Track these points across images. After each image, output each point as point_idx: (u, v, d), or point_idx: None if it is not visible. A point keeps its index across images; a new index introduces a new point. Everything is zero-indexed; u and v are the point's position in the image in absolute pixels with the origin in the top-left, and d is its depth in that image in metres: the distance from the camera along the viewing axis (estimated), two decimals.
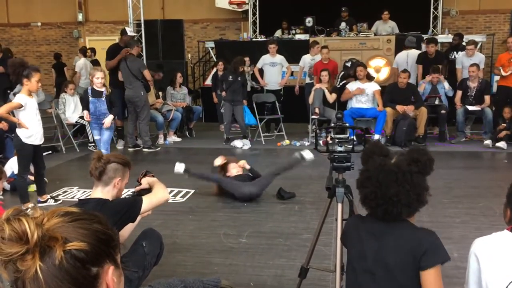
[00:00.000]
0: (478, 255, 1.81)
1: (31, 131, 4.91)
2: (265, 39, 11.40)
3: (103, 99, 6.32)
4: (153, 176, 3.03)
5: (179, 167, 5.53)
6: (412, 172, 1.84)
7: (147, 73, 8.06)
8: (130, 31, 8.66)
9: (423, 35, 10.49)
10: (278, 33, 12.04)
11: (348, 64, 9.25)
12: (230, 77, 8.45)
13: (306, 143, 8.35)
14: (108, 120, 6.30)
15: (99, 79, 6.25)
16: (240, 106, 8.51)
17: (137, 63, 8.07)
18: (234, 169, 5.60)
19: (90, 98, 6.28)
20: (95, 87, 6.30)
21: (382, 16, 11.01)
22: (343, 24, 10.93)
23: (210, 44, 11.87)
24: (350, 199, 2.52)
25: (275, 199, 5.32)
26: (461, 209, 4.89)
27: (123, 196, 2.94)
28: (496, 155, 7.51)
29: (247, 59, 9.45)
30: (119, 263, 1.02)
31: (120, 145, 8.50)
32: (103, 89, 6.34)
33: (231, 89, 8.43)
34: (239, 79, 8.45)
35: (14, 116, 4.97)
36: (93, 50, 12.30)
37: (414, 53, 9.16)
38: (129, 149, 8.24)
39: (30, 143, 4.92)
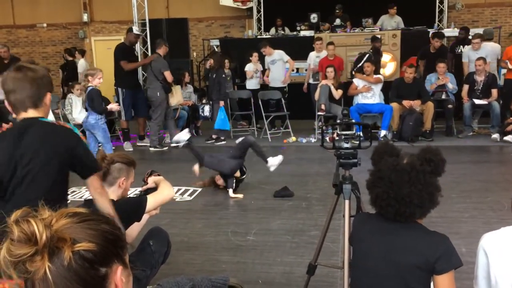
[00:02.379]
0: (486, 250, 1.81)
1: None
2: (270, 36, 11.39)
3: None
4: (158, 175, 3.04)
5: (184, 136, 5.54)
6: (425, 172, 1.83)
7: (168, 74, 8.07)
8: (136, 30, 8.63)
9: (428, 29, 10.43)
10: (272, 31, 12.02)
11: (379, 36, 9.17)
12: (209, 74, 8.57)
13: (313, 140, 8.34)
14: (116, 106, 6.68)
15: (101, 79, 6.26)
16: (215, 105, 8.50)
17: (159, 64, 8.08)
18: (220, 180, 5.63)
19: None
20: (95, 86, 6.25)
21: (390, 10, 10.94)
22: (337, 21, 10.93)
23: (215, 42, 11.86)
24: (357, 196, 2.51)
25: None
26: (469, 203, 4.87)
27: (129, 196, 2.95)
28: (504, 149, 7.46)
29: (255, 54, 9.42)
30: (127, 263, 1.03)
31: (128, 147, 8.35)
32: None
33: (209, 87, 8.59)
34: (210, 75, 8.48)
35: None
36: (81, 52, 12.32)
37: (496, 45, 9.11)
38: (151, 149, 8.21)
39: None
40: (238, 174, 5.50)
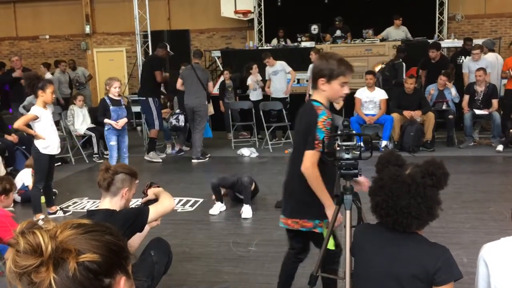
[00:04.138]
0: (486, 260, 1.82)
1: (48, 142, 5.03)
2: (270, 47, 11.46)
3: (123, 106, 6.45)
4: (158, 187, 3.05)
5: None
6: (425, 185, 1.83)
7: (211, 85, 8.25)
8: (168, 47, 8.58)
9: (429, 40, 10.49)
10: (274, 42, 12.09)
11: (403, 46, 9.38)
12: None
13: None
14: (122, 121, 6.33)
15: (117, 88, 6.36)
16: None
17: (206, 74, 8.23)
18: None
19: (111, 107, 6.29)
20: (112, 96, 6.35)
21: (396, 21, 10.97)
22: (338, 32, 11.01)
23: (217, 53, 11.93)
24: (358, 206, 2.52)
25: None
26: (471, 214, 4.87)
27: (130, 207, 2.97)
28: (505, 159, 7.46)
29: (255, 66, 9.47)
30: (131, 273, 1.04)
31: (155, 157, 8.18)
32: (119, 97, 6.49)
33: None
34: None
35: (31, 128, 5.07)
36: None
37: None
38: (194, 161, 8.01)
39: (47, 153, 5.05)
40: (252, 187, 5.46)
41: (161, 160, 8.16)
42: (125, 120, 6.37)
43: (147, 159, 8.15)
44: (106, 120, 6.27)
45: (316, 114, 2.62)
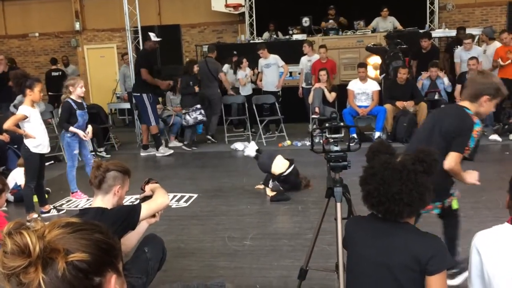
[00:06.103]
0: (479, 248, 1.83)
1: (39, 141, 5.00)
2: (262, 40, 11.43)
3: (85, 110, 5.74)
4: (156, 183, 3.05)
5: (251, 150, 5.86)
6: (416, 171, 1.85)
7: (222, 75, 9.02)
8: (153, 36, 8.36)
9: (420, 30, 10.50)
10: (265, 35, 12.07)
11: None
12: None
13: (308, 143, 8.35)
14: (90, 130, 5.75)
15: (83, 88, 5.64)
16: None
17: (217, 66, 8.97)
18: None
19: (78, 111, 5.54)
20: (76, 98, 5.57)
21: (382, 13, 11.00)
22: (331, 22, 11.01)
23: None
24: (348, 198, 2.52)
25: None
26: (465, 203, 4.86)
27: (125, 203, 2.96)
28: (498, 147, 7.49)
29: (244, 60, 9.46)
30: (121, 271, 1.04)
31: (166, 151, 8.28)
32: (81, 100, 5.73)
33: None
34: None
35: (19, 127, 5.02)
36: None
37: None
38: (208, 137, 8.99)
39: (38, 152, 5.02)
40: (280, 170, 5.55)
41: (172, 151, 8.37)
42: (90, 128, 5.72)
43: (159, 155, 8.20)
44: (72, 129, 5.48)
45: (472, 122, 2.90)
